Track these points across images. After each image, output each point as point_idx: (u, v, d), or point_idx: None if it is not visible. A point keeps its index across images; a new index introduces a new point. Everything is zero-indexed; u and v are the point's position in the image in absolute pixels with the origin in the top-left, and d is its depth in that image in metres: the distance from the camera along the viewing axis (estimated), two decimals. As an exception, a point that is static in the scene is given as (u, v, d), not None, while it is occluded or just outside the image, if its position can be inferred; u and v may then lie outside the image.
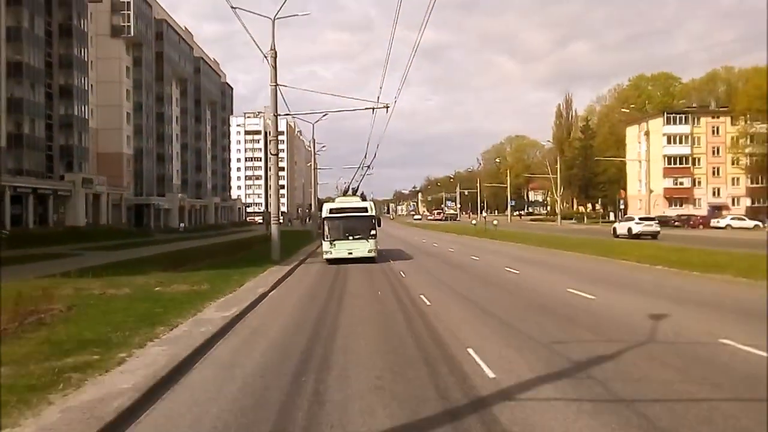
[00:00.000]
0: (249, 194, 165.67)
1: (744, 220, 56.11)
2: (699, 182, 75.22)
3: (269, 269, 20.96)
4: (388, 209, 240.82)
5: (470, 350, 8.47)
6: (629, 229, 41.39)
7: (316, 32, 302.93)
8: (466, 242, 41.47)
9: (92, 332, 9.42)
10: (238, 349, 9.29)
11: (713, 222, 57.33)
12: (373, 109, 25.27)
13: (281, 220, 28.71)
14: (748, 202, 72.50)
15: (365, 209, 25.48)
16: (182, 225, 75.19)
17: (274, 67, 24.96)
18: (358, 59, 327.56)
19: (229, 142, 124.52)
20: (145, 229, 65.55)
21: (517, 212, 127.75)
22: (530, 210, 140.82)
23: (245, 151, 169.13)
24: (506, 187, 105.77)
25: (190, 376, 7.67)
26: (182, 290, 14.80)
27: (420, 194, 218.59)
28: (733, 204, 72.70)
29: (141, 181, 72.27)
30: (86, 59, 56.41)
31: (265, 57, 24.93)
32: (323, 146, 68.06)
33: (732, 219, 56.71)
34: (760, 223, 54.91)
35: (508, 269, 20.92)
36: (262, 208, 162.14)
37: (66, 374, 7.01)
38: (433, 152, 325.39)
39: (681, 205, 72.73)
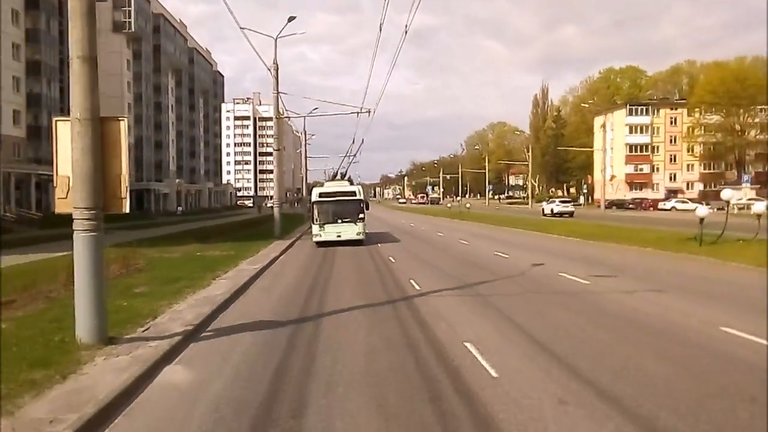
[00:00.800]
0: (238, 179, 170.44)
1: (687, 203, 62.47)
2: (657, 168, 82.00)
3: (274, 242, 26.54)
4: (375, 193, 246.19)
5: (411, 281, 14.24)
6: (552, 209, 52.15)
7: (306, 13, 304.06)
8: (439, 223, 47.30)
9: (177, 274, 15.02)
10: (270, 283, 14.99)
11: (661, 205, 63.74)
12: (358, 113, 30.64)
13: (272, 205, 33.67)
14: (700, 186, 79.16)
15: (353, 193, 26.17)
16: (180, 209, 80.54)
17: (276, 78, 30.42)
18: (347, 41, 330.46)
19: (221, 128, 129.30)
20: (146, 212, 70.79)
21: (498, 196, 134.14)
22: (510, 194, 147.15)
23: (234, 136, 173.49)
24: (488, 171, 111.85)
25: (247, 293, 13.36)
26: (217, 255, 20.41)
27: (406, 178, 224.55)
28: (688, 188, 79.39)
29: (141, 168, 77.32)
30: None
31: (269, 69, 30.35)
32: (312, 135, 73.47)
33: (677, 202, 63.11)
34: (700, 205, 61.22)
35: (461, 241, 26.78)
36: (251, 192, 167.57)
37: (182, 290, 12.65)
38: (420, 136, 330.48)
39: (641, 190, 79.39)
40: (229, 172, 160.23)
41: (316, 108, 52.85)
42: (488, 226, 38.60)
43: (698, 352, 7.42)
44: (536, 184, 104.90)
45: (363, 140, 39.96)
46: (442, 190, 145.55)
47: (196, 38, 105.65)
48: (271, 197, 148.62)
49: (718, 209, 53.83)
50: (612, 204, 67.62)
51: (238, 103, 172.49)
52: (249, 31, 25.46)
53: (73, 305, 7.99)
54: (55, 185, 8.00)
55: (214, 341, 8.77)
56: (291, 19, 28.80)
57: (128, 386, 6.37)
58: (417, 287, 13.24)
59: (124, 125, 7.98)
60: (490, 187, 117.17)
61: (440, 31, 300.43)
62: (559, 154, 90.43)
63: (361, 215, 25.58)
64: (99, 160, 7.71)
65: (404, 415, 5.57)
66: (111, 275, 14.70)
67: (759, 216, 19.68)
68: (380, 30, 15.99)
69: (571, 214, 50.09)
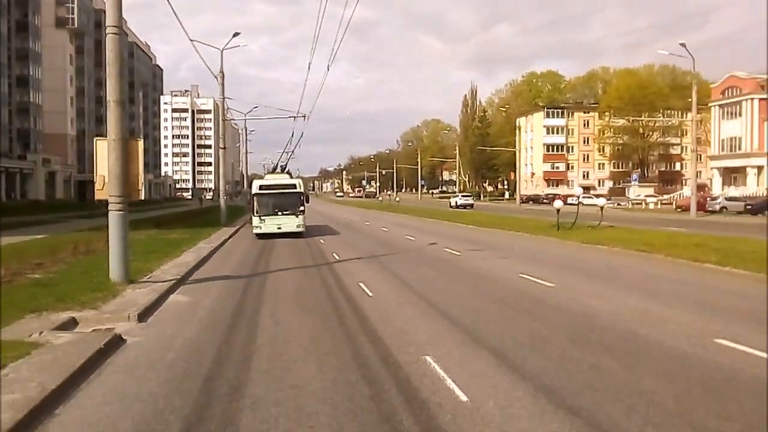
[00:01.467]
0: (176, 170, 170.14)
1: (592, 198, 70.09)
2: (572, 167, 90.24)
3: (222, 229, 30.72)
4: (314, 186, 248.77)
5: (334, 254, 19.07)
6: (456, 202, 62.35)
7: (244, 3, 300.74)
8: (370, 214, 52.32)
9: (152, 248, 19.27)
10: (224, 256, 19.50)
11: (570, 200, 71.03)
12: (294, 117, 34.88)
13: (211, 197, 37.58)
14: (610, 183, 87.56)
15: (294, 186, 26.42)
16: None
17: (222, 85, 34.52)
18: (286, 33, 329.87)
19: (159, 121, 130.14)
20: (89, 203, 72.60)
21: (431, 191, 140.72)
22: (444, 189, 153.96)
23: (172, 128, 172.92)
24: (422, 167, 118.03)
25: (210, 261, 17.84)
26: (176, 237, 24.55)
27: (344, 172, 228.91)
28: (599, 185, 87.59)
29: (83, 159, 78.79)
30: (39, 51, 62.80)
31: (216, 77, 34.41)
32: (252, 131, 76.99)
33: (584, 197, 70.50)
34: (605, 200, 69.00)
35: (383, 228, 31.82)
36: (189, 184, 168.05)
37: (161, 258, 17.02)
38: (360, 130, 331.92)
39: (557, 186, 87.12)
40: (167, 164, 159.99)
41: (256, 107, 57.12)
42: (410, 216, 43.97)
43: (499, 286, 12.60)
44: (467, 180, 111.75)
45: (303, 134, 43.29)
46: (378, 184, 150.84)
47: (130, 26, 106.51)
48: (210, 189, 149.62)
49: (618, 205, 61.74)
50: (529, 199, 74.49)
51: (176, 95, 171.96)
52: (186, 26, 29.42)
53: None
54: (95, 181, 12.39)
55: (196, 285, 13.34)
56: (236, 34, 33.00)
57: (154, 301, 10.91)
58: (337, 257, 18.10)
59: (141, 143, 12.46)
60: (423, 182, 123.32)
61: (380, 26, 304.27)
62: (485, 152, 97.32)
63: (301, 208, 25.93)
64: (125, 165, 12.14)
65: (315, 310, 10.38)
66: (99, 250, 18.84)
67: (602, 208, 25.63)
68: (318, 28, 20.54)
69: (471, 206, 60.25)
